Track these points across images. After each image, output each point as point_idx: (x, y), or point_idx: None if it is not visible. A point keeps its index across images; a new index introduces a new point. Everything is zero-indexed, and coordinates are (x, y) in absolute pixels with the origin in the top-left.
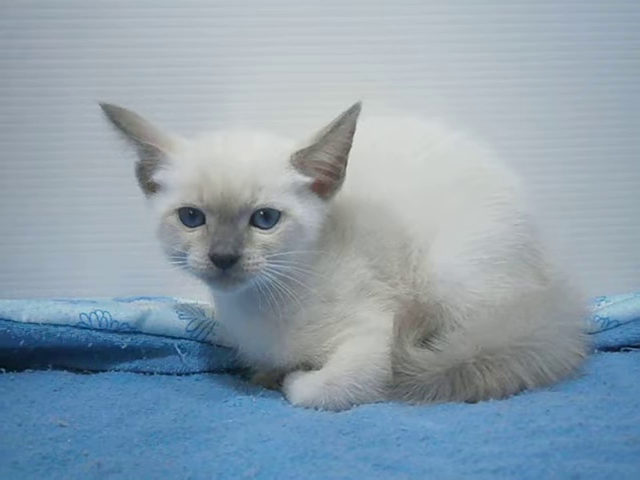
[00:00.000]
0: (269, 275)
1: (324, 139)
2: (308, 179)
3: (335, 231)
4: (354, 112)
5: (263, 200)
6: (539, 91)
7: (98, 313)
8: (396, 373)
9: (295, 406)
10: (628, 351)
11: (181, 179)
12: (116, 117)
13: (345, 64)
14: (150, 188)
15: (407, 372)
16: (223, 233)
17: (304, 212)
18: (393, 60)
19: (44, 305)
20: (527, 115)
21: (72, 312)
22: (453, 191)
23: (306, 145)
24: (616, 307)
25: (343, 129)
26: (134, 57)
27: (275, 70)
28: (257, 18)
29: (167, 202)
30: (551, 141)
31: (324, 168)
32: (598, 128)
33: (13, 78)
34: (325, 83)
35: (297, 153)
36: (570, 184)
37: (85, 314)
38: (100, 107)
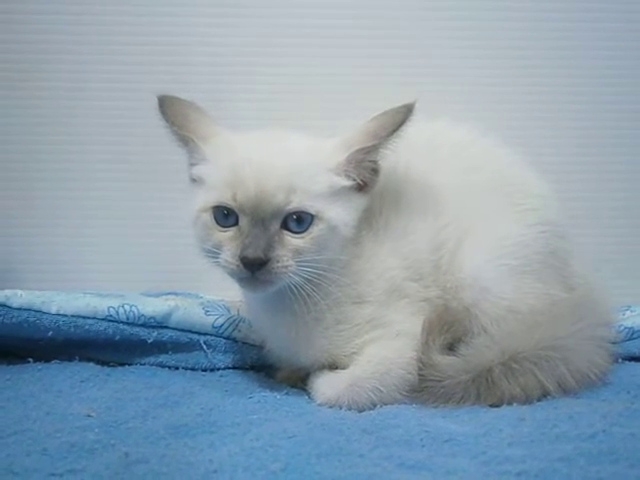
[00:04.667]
0: (298, 278)
1: (385, 138)
2: (349, 182)
3: (369, 231)
4: (412, 112)
5: (296, 203)
6: (578, 100)
7: (126, 307)
8: (422, 378)
9: (319, 404)
10: None
11: (215, 176)
12: (166, 107)
13: (353, 65)
14: (192, 180)
15: (433, 378)
16: (254, 236)
17: (340, 212)
18: (400, 59)
19: (73, 297)
20: (560, 122)
21: (100, 305)
22: (484, 196)
23: (368, 144)
24: None
25: (403, 130)
26: (137, 55)
27: (278, 71)
28: (261, 16)
29: (202, 198)
30: (580, 149)
31: (373, 166)
32: (626, 137)
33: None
34: (331, 85)
35: (357, 151)
36: (597, 193)
37: (113, 307)
38: (157, 98)
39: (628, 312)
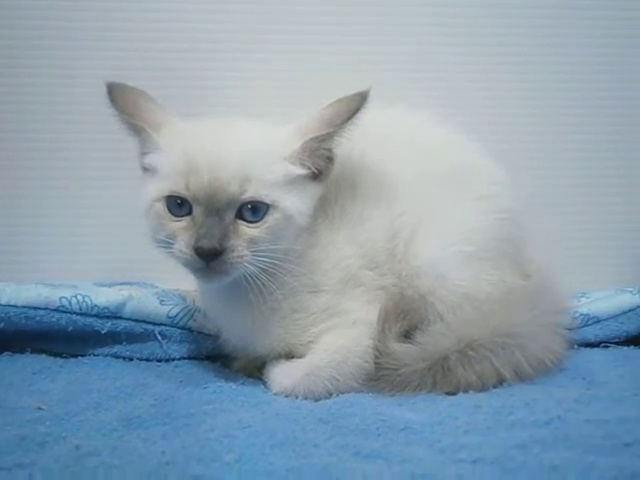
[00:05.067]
0: (254, 268)
1: (339, 126)
2: (304, 171)
3: (325, 219)
4: (366, 99)
5: (251, 193)
6: (530, 86)
7: (79, 297)
8: (378, 366)
9: (275, 394)
10: (607, 347)
11: (168, 165)
12: (116, 95)
13: (346, 53)
14: (145, 169)
15: (389, 366)
16: (209, 225)
17: (295, 201)
18: (394, 52)
19: (24, 288)
20: (514, 110)
21: (52, 295)
22: (439, 184)
23: (323, 132)
24: (596, 304)
25: (357, 117)
26: (133, 41)
27: (274, 60)
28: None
29: (155, 187)
30: (535, 137)
31: (327, 154)
32: (586, 125)
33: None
34: (327, 72)
35: (312, 139)
36: (553, 180)
37: (66, 298)
38: (106, 85)
39: (583, 299)
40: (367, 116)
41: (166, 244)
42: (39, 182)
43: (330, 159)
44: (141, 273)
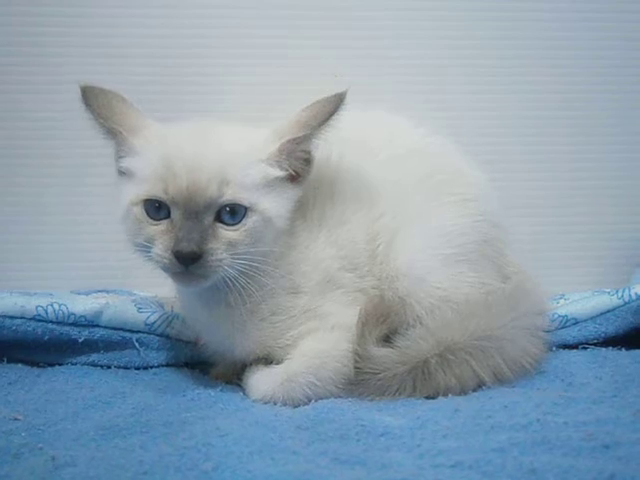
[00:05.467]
0: (233, 271)
1: (316, 128)
2: (282, 173)
3: (304, 221)
4: (343, 101)
5: (230, 195)
6: (508, 89)
7: (55, 306)
8: (358, 371)
9: (254, 401)
10: (586, 349)
11: (146, 169)
12: (90, 98)
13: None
14: (121, 173)
15: (369, 370)
16: (187, 229)
17: (273, 204)
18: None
19: None
20: (493, 112)
21: (28, 304)
22: (417, 186)
23: (300, 134)
24: (574, 305)
25: (334, 119)
26: (127, 47)
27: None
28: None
29: (133, 191)
30: (512, 138)
31: (305, 156)
32: (560, 127)
33: None
34: (309, 76)
35: (289, 141)
36: (531, 182)
37: (42, 307)
38: (80, 89)
39: (562, 300)
40: (346, 118)
41: (144, 248)
42: (5, 189)
43: (308, 161)
44: (118, 281)
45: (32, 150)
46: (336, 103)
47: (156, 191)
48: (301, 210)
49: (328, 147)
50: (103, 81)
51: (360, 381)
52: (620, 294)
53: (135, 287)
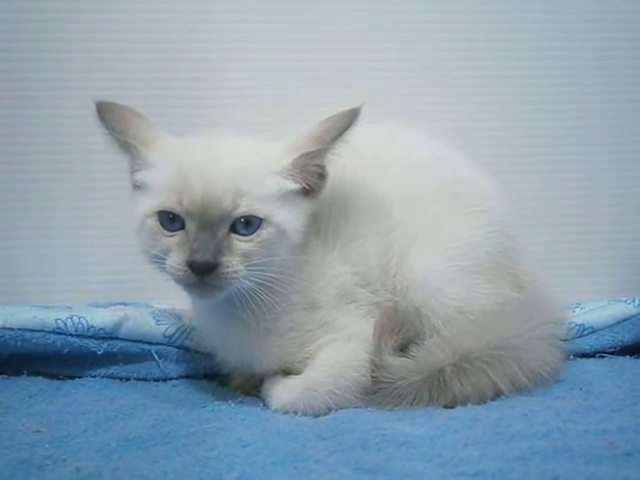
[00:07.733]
0: (248, 283)
1: (330, 143)
2: (296, 186)
3: (318, 237)
4: (357, 116)
5: (245, 207)
6: (520, 100)
7: (74, 319)
8: (375, 380)
9: (274, 411)
10: (603, 357)
11: (160, 181)
12: (105, 113)
13: (341, 68)
14: (135, 187)
15: (386, 380)
16: (202, 240)
17: (288, 216)
18: (393, 64)
19: (19, 310)
20: (504, 123)
21: (48, 317)
22: (432, 198)
23: (313, 148)
24: (591, 314)
25: (348, 134)
26: (129, 53)
27: (270, 74)
28: (253, 20)
29: (147, 203)
30: (528, 149)
31: (319, 171)
32: (574, 137)
33: None
34: (322, 88)
35: (303, 155)
36: (546, 192)
37: (61, 319)
38: (95, 104)
39: (578, 309)
40: (359, 132)
41: (159, 260)
42: (13, 204)
43: (322, 176)
44: (136, 293)
45: (45, 165)
46: (350, 118)
47: (170, 203)
48: (315, 225)
49: (343, 161)
50: (115, 96)
51: (377, 390)
52: (636, 302)
53: (153, 299)
